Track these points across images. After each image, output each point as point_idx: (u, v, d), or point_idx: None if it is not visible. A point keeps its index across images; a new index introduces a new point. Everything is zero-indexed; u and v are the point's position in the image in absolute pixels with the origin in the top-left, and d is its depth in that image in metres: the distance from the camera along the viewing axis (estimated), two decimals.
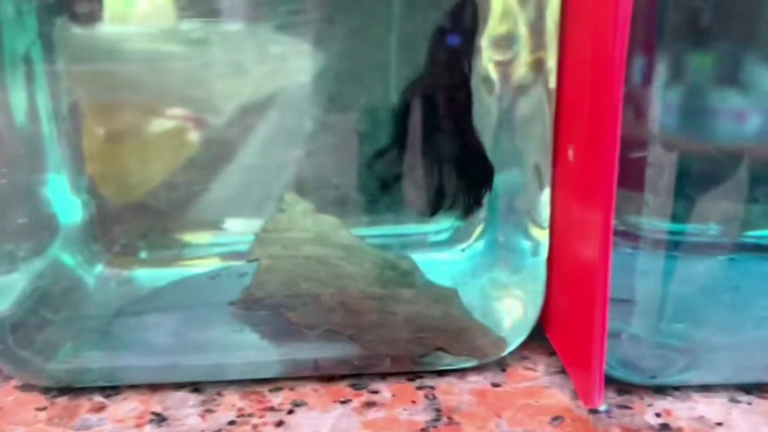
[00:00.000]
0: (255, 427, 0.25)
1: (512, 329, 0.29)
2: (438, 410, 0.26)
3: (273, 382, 0.28)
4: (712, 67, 0.29)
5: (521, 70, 0.28)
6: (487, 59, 0.30)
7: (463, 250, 0.35)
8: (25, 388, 0.28)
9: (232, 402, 0.27)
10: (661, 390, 0.27)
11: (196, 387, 0.28)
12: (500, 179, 0.31)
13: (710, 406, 0.26)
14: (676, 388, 0.27)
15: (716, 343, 0.28)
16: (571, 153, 0.26)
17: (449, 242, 0.35)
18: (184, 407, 0.26)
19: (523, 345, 0.29)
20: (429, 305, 0.30)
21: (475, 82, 0.31)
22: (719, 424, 0.25)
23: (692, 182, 0.30)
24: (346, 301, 0.30)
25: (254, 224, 0.33)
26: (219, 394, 0.27)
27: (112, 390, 0.27)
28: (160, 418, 0.26)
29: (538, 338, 0.30)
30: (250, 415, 0.26)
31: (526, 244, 0.30)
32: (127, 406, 0.27)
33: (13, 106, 0.29)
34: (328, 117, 0.34)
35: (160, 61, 0.33)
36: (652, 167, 0.28)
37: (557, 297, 0.28)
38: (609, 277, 0.24)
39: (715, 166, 0.30)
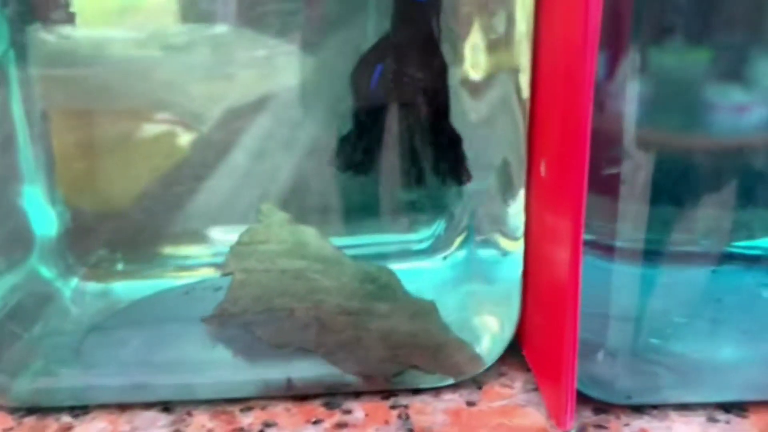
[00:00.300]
0: None
1: (488, 345, 0.29)
2: (411, 431, 0.26)
3: (244, 402, 0.27)
4: (689, 65, 0.28)
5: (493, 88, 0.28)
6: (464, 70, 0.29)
7: (445, 258, 0.34)
8: None
9: (201, 422, 0.26)
10: (638, 409, 0.26)
11: (165, 406, 0.27)
12: (470, 188, 0.30)
13: (688, 426, 0.26)
14: (654, 406, 0.26)
15: (695, 361, 0.27)
16: (543, 168, 0.25)
17: (431, 250, 0.35)
18: (153, 427, 0.26)
19: (501, 360, 0.29)
20: (405, 320, 0.30)
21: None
22: None
23: (673, 189, 0.29)
24: (320, 317, 0.29)
25: (234, 235, 0.33)
26: (189, 413, 0.27)
27: (80, 410, 0.27)
28: None
29: (517, 353, 0.29)
30: None
31: (498, 256, 0.29)
32: (96, 426, 0.26)
33: None
34: (310, 124, 0.33)
35: (137, 67, 0.32)
36: (627, 173, 0.27)
37: (532, 314, 0.28)
38: (579, 295, 0.23)
39: (697, 172, 0.30)
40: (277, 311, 0.29)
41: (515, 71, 0.27)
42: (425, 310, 0.31)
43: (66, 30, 0.31)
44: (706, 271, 0.31)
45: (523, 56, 0.26)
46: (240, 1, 0.31)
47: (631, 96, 0.26)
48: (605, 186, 0.27)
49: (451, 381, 0.28)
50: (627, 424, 0.26)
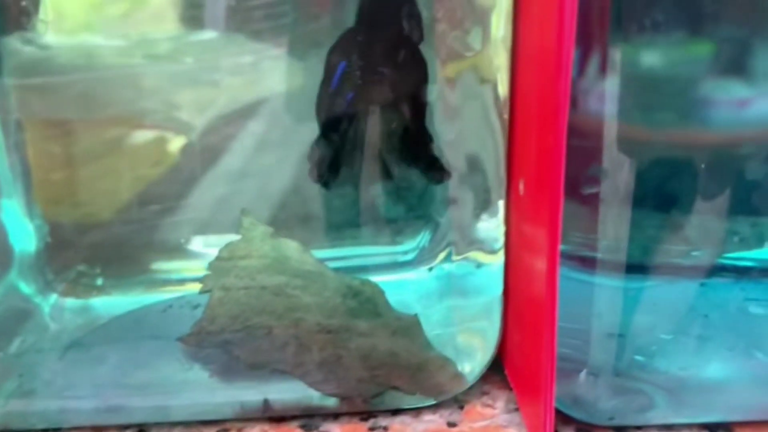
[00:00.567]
0: None
1: (470, 363, 0.28)
2: None
3: (220, 423, 0.27)
4: (670, 61, 0.27)
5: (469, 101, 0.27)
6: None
7: (430, 269, 0.34)
8: None
9: None
10: (621, 429, 0.26)
11: (140, 429, 0.27)
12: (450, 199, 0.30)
13: None
14: (638, 427, 0.26)
15: (680, 380, 0.27)
16: (521, 187, 0.24)
17: (416, 262, 0.34)
18: None
19: (484, 378, 0.28)
20: (386, 338, 0.29)
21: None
22: None
23: (660, 197, 0.29)
24: (299, 336, 0.29)
25: (216, 249, 0.32)
26: None
27: None
28: None
29: (501, 370, 0.29)
30: None
31: (479, 271, 0.29)
32: None
33: None
34: (297, 134, 0.33)
35: (115, 75, 0.31)
36: (608, 180, 0.27)
37: (512, 330, 0.27)
38: (556, 311, 0.23)
39: (686, 178, 0.29)
40: (255, 330, 0.29)
41: (492, 84, 0.26)
42: (408, 325, 0.30)
43: (42, 38, 0.30)
44: (694, 285, 0.30)
45: (500, 71, 0.25)
46: (225, 7, 0.30)
47: (611, 97, 0.26)
48: (586, 195, 0.27)
49: (432, 401, 0.27)
50: None
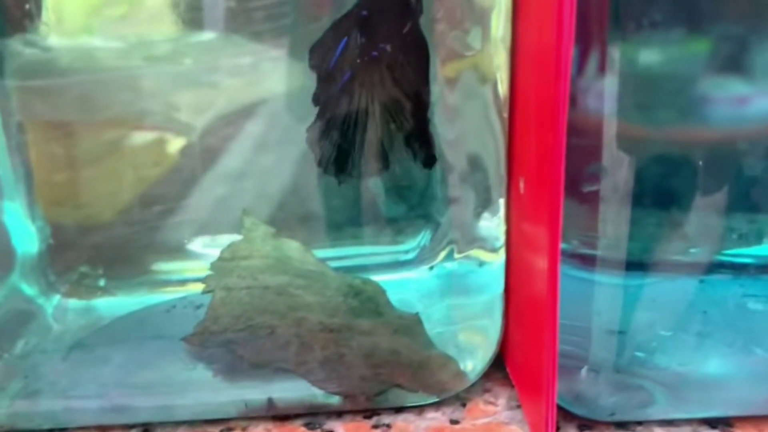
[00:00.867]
0: None
1: (472, 360, 0.29)
2: None
3: (225, 422, 0.27)
4: (670, 59, 0.27)
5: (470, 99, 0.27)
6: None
7: (431, 268, 0.34)
8: None
9: None
10: (622, 425, 0.26)
11: (145, 428, 0.27)
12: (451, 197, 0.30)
13: None
14: (639, 422, 0.26)
15: (680, 376, 0.27)
16: (522, 185, 0.25)
17: (417, 261, 0.35)
18: None
19: (486, 375, 0.28)
20: (388, 337, 0.29)
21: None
22: None
23: (659, 194, 0.29)
24: (301, 335, 0.29)
25: (218, 249, 0.32)
26: None
27: None
28: None
29: (502, 368, 0.29)
30: None
31: (480, 269, 0.29)
32: None
33: None
34: (298, 133, 0.33)
35: (116, 77, 0.32)
36: (608, 178, 0.27)
37: (514, 328, 0.27)
38: (558, 309, 0.23)
39: (686, 175, 0.29)
40: (258, 329, 0.29)
41: (492, 84, 0.26)
42: (409, 324, 0.30)
43: (43, 41, 0.30)
44: (694, 282, 0.30)
45: (501, 70, 0.26)
46: (225, 8, 0.31)
47: (610, 96, 0.26)
48: (586, 193, 0.27)
49: (434, 399, 0.27)
50: None
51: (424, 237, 0.34)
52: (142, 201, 0.33)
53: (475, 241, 0.30)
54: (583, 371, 0.26)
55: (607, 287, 0.28)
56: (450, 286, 0.32)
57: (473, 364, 0.28)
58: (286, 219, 0.33)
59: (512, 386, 0.29)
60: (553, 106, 0.21)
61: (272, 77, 0.32)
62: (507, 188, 0.27)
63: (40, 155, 0.33)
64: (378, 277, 0.32)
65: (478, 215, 0.29)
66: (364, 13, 0.28)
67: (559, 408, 0.25)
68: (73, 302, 0.33)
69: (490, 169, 0.27)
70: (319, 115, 0.29)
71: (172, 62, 0.31)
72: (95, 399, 0.27)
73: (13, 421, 0.27)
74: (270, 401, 0.27)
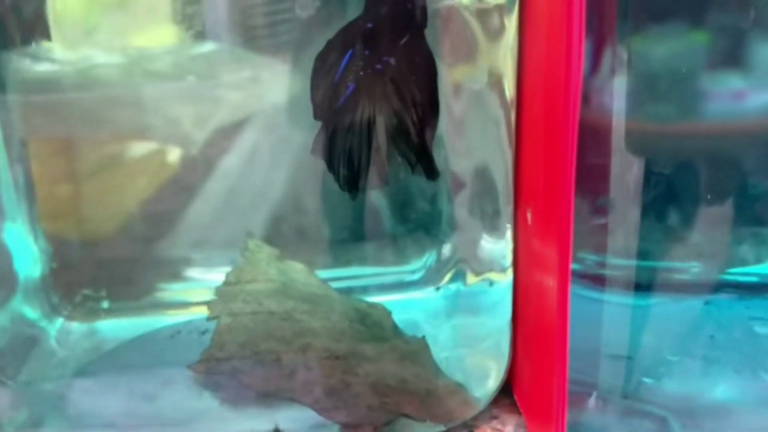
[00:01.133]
0: None
1: (480, 387, 0.28)
2: None
3: None
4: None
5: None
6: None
7: (437, 289, 0.34)
8: None
9: None
10: None
11: None
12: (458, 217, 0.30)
13: None
14: None
15: (687, 403, 0.27)
16: (529, 216, 0.25)
17: (423, 281, 0.34)
18: None
19: (494, 401, 0.28)
20: (395, 363, 0.29)
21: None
22: None
23: (668, 212, 0.29)
24: (307, 363, 0.29)
25: (222, 270, 0.32)
26: None
27: None
28: None
29: (510, 393, 0.29)
30: None
31: (488, 292, 0.29)
32: None
33: None
34: (298, 147, 0.32)
35: (119, 92, 0.31)
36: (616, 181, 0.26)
37: (522, 354, 0.27)
38: (567, 338, 0.23)
39: (694, 187, 0.29)
40: (263, 356, 0.29)
41: (501, 99, 0.26)
42: (416, 349, 0.30)
43: (45, 56, 0.30)
44: (699, 303, 0.30)
45: (508, 78, 0.25)
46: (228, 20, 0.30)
47: (619, 100, 0.26)
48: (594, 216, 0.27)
49: (442, 428, 0.27)
50: None
51: (429, 257, 0.34)
52: (144, 217, 0.33)
53: (482, 261, 0.29)
54: (592, 399, 0.26)
55: (615, 309, 0.28)
56: (456, 308, 0.32)
57: (482, 391, 0.28)
58: (289, 239, 0.33)
59: (520, 413, 0.29)
60: (563, 143, 0.20)
61: (277, 90, 0.32)
62: (514, 215, 0.26)
63: (41, 172, 0.32)
64: (383, 298, 0.32)
65: (484, 235, 0.28)
66: (367, 28, 0.27)
67: None
68: (76, 325, 0.33)
69: (498, 187, 0.27)
70: (323, 129, 0.29)
71: (172, 76, 0.31)
72: (101, 429, 0.27)
73: None
74: (277, 430, 0.27)
